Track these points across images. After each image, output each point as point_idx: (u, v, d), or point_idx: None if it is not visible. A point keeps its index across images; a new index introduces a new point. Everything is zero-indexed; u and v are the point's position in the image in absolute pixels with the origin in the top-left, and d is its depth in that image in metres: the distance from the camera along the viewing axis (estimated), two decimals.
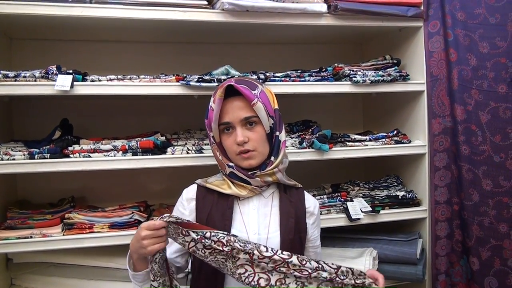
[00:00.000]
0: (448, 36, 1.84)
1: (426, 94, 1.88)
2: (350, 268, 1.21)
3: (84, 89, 1.53)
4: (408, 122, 2.01)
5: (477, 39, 1.86)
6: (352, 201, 1.85)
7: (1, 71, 1.49)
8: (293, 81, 1.76)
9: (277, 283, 1.15)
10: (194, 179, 1.39)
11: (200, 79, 1.61)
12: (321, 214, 1.72)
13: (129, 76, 1.61)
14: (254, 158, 1.29)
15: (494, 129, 1.86)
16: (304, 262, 1.16)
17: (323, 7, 1.74)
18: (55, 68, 1.52)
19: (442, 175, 1.89)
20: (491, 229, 1.85)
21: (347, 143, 1.82)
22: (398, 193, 1.91)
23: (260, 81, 1.63)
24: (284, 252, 1.16)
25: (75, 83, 1.51)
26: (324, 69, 1.84)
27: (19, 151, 1.55)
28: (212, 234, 1.14)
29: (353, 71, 1.82)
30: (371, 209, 1.82)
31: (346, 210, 1.80)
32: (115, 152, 1.61)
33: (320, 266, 1.17)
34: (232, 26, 1.74)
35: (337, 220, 1.80)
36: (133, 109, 2.03)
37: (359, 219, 1.79)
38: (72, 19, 1.56)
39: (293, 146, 1.77)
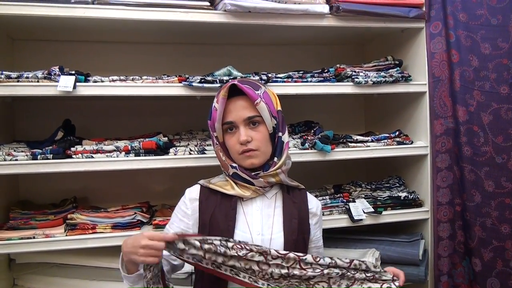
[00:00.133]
0: (450, 37, 1.84)
1: (428, 95, 1.88)
2: (362, 261, 1.21)
3: (86, 90, 1.54)
4: (410, 123, 2.01)
5: (479, 40, 1.86)
6: (354, 202, 1.85)
7: (4, 72, 1.50)
8: (295, 82, 1.76)
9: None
10: (197, 179, 1.39)
11: (202, 80, 1.61)
12: (323, 215, 1.72)
13: (131, 77, 1.61)
14: (257, 157, 1.29)
15: (496, 130, 1.86)
16: (318, 259, 1.17)
17: (325, 8, 1.74)
18: (57, 69, 1.53)
19: (444, 176, 1.89)
20: (493, 230, 1.85)
21: (349, 144, 1.82)
22: (400, 194, 1.91)
23: (263, 82, 1.63)
24: (297, 253, 1.17)
25: (77, 84, 1.51)
26: (326, 70, 1.84)
27: (22, 151, 1.55)
28: (226, 240, 1.14)
29: (355, 72, 1.82)
30: (373, 210, 1.82)
31: (348, 211, 1.80)
32: (118, 152, 1.61)
33: (334, 262, 1.18)
34: (234, 27, 1.74)
35: (339, 221, 1.80)
36: (135, 110, 2.03)
37: (361, 220, 1.79)
38: (74, 20, 1.57)
39: (295, 147, 1.77)
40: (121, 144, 1.63)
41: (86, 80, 1.57)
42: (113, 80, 1.59)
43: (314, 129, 1.84)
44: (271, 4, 1.66)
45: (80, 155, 1.58)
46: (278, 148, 1.32)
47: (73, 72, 1.56)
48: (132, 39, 2.01)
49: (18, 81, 1.50)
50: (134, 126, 1.94)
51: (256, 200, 1.32)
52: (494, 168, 1.85)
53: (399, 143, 1.90)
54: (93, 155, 1.59)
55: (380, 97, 2.03)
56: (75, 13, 1.52)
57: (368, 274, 1.20)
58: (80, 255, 1.76)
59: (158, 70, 1.80)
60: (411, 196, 1.91)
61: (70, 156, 1.58)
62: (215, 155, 1.39)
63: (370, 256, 1.77)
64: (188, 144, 1.70)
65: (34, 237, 1.55)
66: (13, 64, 1.89)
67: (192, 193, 1.34)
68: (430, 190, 1.91)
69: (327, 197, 1.86)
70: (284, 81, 1.75)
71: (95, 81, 1.57)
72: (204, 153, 1.66)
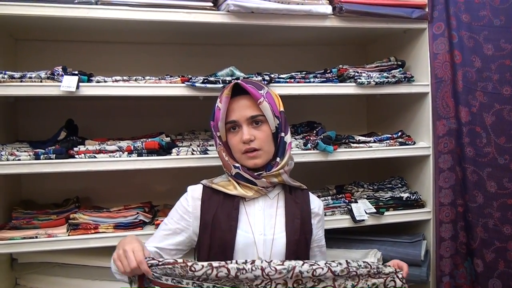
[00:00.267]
0: (453, 38, 1.84)
1: (431, 95, 1.88)
2: (363, 261, 1.20)
3: (89, 90, 1.54)
4: (412, 124, 2.01)
5: (482, 41, 1.86)
6: (357, 202, 1.85)
7: (7, 72, 1.50)
8: (298, 82, 1.76)
9: (294, 285, 1.14)
10: (199, 179, 1.39)
11: (205, 80, 1.61)
12: (325, 215, 1.71)
13: (134, 77, 1.62)
14: (260, 157, 1.29)
15: (498, 131, 1.86)
16: (314, 266, 1.15)
17: (328, 9, 1.74)
18: (61, 69, 1.53)
19: (447, 176, 1.89)
20: (496, 231, 1.84)
21: (352, 145, 1.82)
22: (402, 194, 1.91)
23: (265, 82, 1.64)
24: (292, 261, 1.15)
25: (80, 84, 1.51)
26: (328, 71, 1.84)
27: (25, 151, 1.56)
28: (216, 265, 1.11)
29: (357, 72, 1.82)
30: (375, 210, 1.82)
31: (350, 212, 1.80)
32: (120, 153, 1.61)
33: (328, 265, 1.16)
34: (237, 28, 1.74)
35: (341, 221, 1.80)
36: (138, 110, 2.04)
37: (363, 220, 1.79)
38: (77, 21, 1.57)
39: (298, 147, 1.77)
40: (124, 144, 1.63)
41: (89, 80, 1.57)
42: (116, 81, 1.59)
43: (317, 130, 1.84)
44: (274, 5, 1.66)
45: (82, 155, 1.58)
46: (280, 148, 1.33)
47: (76, 72, 1.56)
48: (135, 39, 2.02)
49: (21, 81, 1.50)
50: (136, 126, 1.94)
51: (258, 200, 1.32)
52: (496, 169, 1.85)
53: (401, 143, 1.90)
54: (96, 155, 1.59)
55: (382, 97, 2.02)
56: (79, 14, 1.52)
57: (371, 269, 1.19)
58: (82, 255, 1.76)
59: (161, 71, 1.80)
60: (413, 197, 1.91)
61: (72, 156, 1.58)
62: (217, 155, 1.39)
63: (372, 257, 1.77)
64: (191, 144, 1.70)
65: (36, 237, 1.55)
66: (16, 64, 1.90)
67: (195, 192, 1.35)
68: (432, 191, 1.90)
69: (329, 197, 1.85)
70: (287, 82, 1.75)
71: (98, 81, 1.57)
72: (207, 153, 1.66)
